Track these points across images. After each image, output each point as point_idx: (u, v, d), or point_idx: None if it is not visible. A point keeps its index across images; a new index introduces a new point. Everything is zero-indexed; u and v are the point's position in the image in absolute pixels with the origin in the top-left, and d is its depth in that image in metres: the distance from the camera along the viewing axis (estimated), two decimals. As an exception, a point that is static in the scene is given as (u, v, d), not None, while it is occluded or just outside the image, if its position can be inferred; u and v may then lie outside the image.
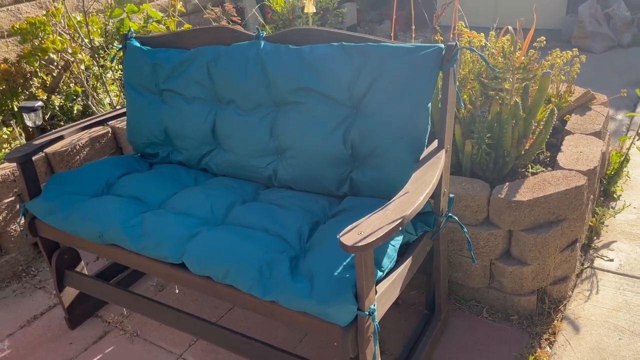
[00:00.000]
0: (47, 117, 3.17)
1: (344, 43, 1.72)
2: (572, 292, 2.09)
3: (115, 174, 2.09)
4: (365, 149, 1.70)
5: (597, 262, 2.25)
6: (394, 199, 1.37)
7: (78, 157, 2.77)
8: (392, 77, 1.63)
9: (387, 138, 1.65)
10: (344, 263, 1.40)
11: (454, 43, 1.56)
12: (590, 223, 2.42)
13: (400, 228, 1.28)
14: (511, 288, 1.98)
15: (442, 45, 1.57)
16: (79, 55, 2.97)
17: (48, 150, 2.68)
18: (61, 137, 2.10)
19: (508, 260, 1.96)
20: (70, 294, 2.18)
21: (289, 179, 1.87)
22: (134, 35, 2.25)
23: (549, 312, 1.98)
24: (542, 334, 1.91)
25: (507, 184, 1.94)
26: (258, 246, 1.53)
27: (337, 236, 1.24)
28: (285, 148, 1.85)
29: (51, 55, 2.92)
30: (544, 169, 2.18)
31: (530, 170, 2.18)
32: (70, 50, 2.95)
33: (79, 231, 1.81)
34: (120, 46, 2.26)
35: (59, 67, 3.15)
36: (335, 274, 1.37)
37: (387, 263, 1.45)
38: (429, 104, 1.60)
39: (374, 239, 1.20)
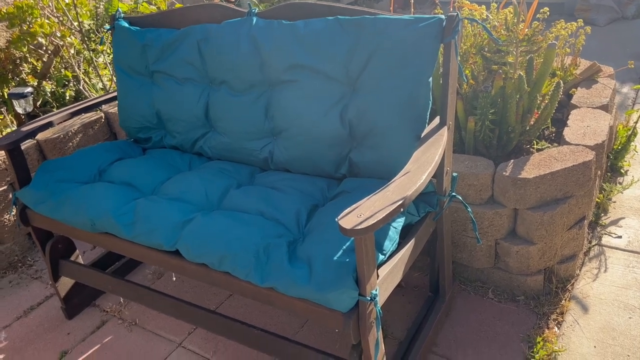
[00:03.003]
0: (38, 103, 3.10)
1: (339, 17, 1.64)
2: (580, 270, 2.04)
3: (107, 159, 2.03)
4: (364, 128, 1.63)
5: (605, 240, 2.19)
6: (394, 179, 1.31)
7: (70, 143, 2.71)
8: (390, 51, 1.56)
9: (386, 116, 1.58)
10: (344, 247, 1.34)
11: (456, 13, 1.48)
12: (597, 199, 2.36)
13: (402, 209, 1.22)
14: (517, 268, 1.92)
15: (443, 16, 1.50)
16: (68, 39, 2.88)
17: (40, 137, 2.62)
18: (50, 124, 2.03)
19: (514, 240, 1.90)
20: (66, 283, 2.13)
21: (286, 161, 1.81)
22: (123, 15, 2.17)
23: (557, 292, 1.93)
24: (549, 314, 1.86)
25: (512, 161, 1.88)
26: (254, 231, 1.47)
27: (336, 219, 1.18)
28: (281, 129, 1.78)
29: (39, 39, 2.84)
30: (549, 145, 2.11)
31: (535, 146, 2.11)
32: (59, 34, 2.86)
33: (71, 220, 1.76)
34: (109, 27, 2.18)
35: (49, 51, 3.07)
36: (335, 258, 1.32)
37: (388, 246, 1.39)
38: (430, 79, 1.52)
39: (374, 222, 1.14)
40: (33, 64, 3.26)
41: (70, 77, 2.97)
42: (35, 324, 2.16)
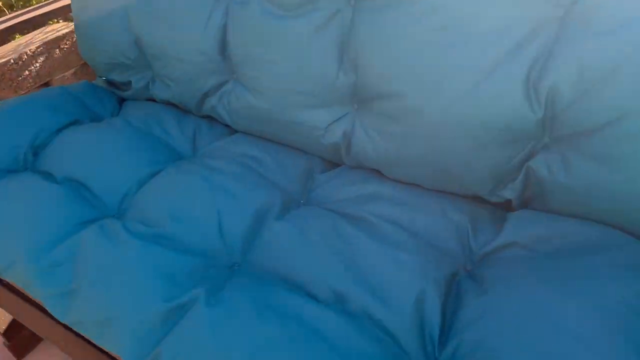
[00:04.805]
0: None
1: None
2: None
3: (51, 124, 1.15)
4: (597, 114, 0.69)
5: None
6: None
7: (27, 71, 1.81)
8: None
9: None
10: None
11: None
12: None
13: None
14: None
15: None
16: None
17: (-19, 63, 1.74)
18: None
19: None
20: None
21: (382, 160, 0.90)
22: None
23: None
24: None
25: None
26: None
27: None
28: (375, 94, 0.85)
29: None
30: None
31: None
32: None
33: (-32, 254, 0.93)
34: None
35: None
36: None
37: None
38: None
39: None
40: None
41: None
42: (-29, 363, 1.42)
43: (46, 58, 1.91)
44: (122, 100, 1.31)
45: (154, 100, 1.25)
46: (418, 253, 0.75)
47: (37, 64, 1.89)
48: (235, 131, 1.13)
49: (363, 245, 0.76)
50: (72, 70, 1.95)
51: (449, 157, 0.79)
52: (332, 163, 1.01)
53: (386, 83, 0.81)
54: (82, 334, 0.78)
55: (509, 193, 0.80)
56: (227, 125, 1.14)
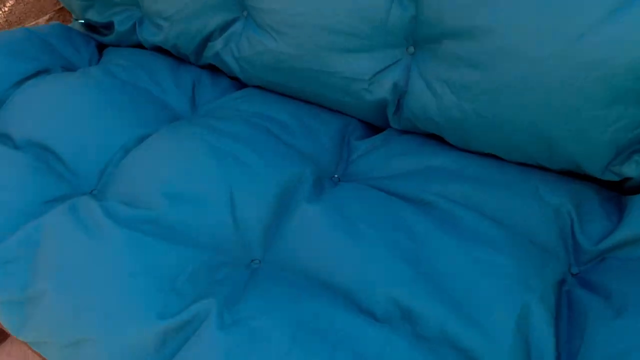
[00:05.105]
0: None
1: None
2: None
3: (12, 73, 0.92)
4: None
5: None
6: None
7: (-6, 18, 1.57)
8: None
9: None
10: None
11: None
12: None
13: None
14: None
15: None
16: None
17: (-64, 5, 1.48)
18: None
19: None
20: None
21: (451, 123, 0.67)
22: None
23: None
24: None
25: None
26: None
27: None
28: (445, 31, 0.62)
29: None
30: None
31: None
32: None
33: None
34: None
35: None
36: None
37: None
38: None
39: None
40: None
41: None
42: None
43: (16, 2, 1.68)
44: (102, 47, 1.07)
45: (142, 47, 1.02)
46: (512, 251, 0.54)
47: (6, 8, 1.66)
48: (246, 85, 0.90)
49: (435, 239, 0.55)
50: (46, 17, 1.70)
51: (553, 118, 0.57)
52: (372, 126, 0.79)
53: (465, 15, 0.58)
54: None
55: (631, 169, 0.59)
56: (235, 78, 0.91)
